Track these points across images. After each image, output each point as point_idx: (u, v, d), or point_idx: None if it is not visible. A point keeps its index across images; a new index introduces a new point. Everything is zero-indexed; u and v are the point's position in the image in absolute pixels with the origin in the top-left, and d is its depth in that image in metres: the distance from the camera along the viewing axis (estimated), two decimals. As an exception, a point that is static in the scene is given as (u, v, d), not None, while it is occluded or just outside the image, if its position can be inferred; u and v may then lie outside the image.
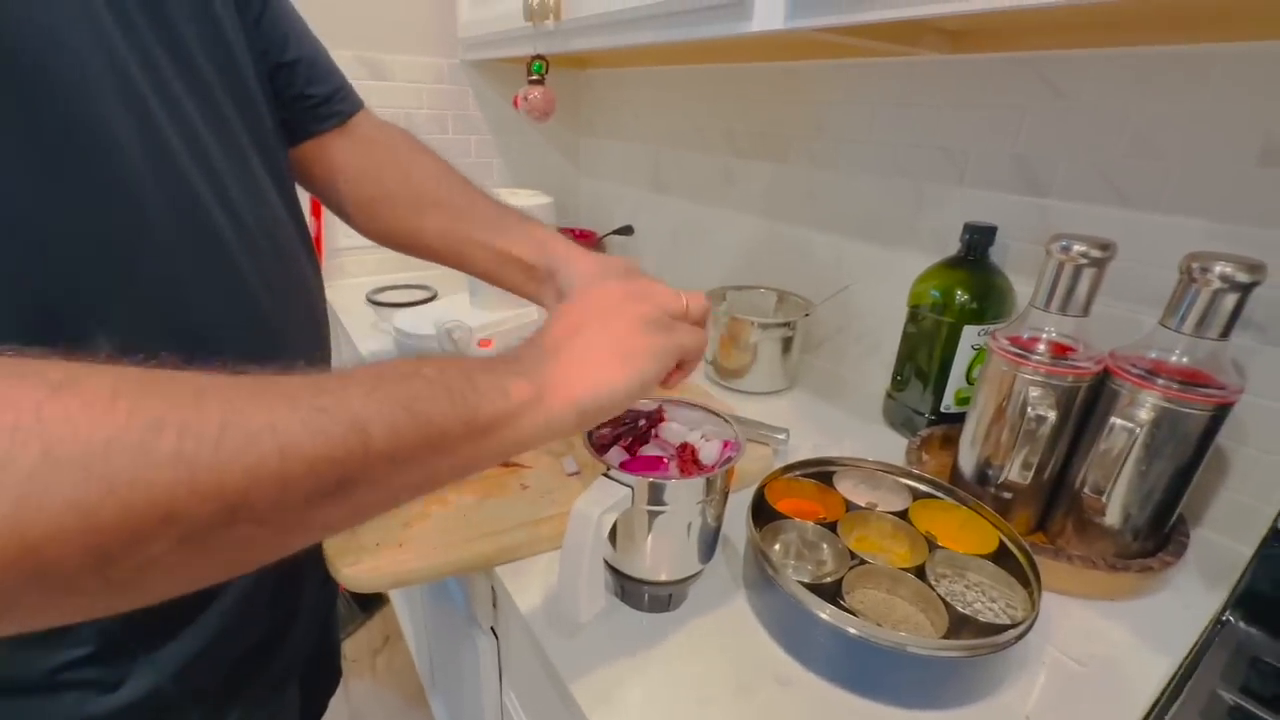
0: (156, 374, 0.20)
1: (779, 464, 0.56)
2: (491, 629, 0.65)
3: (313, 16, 1.16)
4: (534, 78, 0.92)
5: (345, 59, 1.16)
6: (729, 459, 0.44)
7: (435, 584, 0.86)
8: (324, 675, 0.64)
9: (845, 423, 0.78)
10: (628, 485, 0.40)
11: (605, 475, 0.40)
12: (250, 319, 0.39)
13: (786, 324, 0.81)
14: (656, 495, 0.41)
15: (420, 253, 0.58)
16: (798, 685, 0.42)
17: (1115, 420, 0.47)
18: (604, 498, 0.38)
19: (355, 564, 0.48)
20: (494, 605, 0.62)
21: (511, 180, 1.39)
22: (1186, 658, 0.44)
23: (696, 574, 0.47)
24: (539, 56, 0.92)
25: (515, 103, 0.95)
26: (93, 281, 0.31)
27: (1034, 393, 0.51)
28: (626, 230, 1.33)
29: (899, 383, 0.75)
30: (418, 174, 0.58)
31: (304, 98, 0.53)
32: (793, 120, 0.93)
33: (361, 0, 1.12)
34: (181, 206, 0.35)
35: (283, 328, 0.43)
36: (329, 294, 1.17)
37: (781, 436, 0.68)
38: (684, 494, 0.41)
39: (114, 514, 0.18)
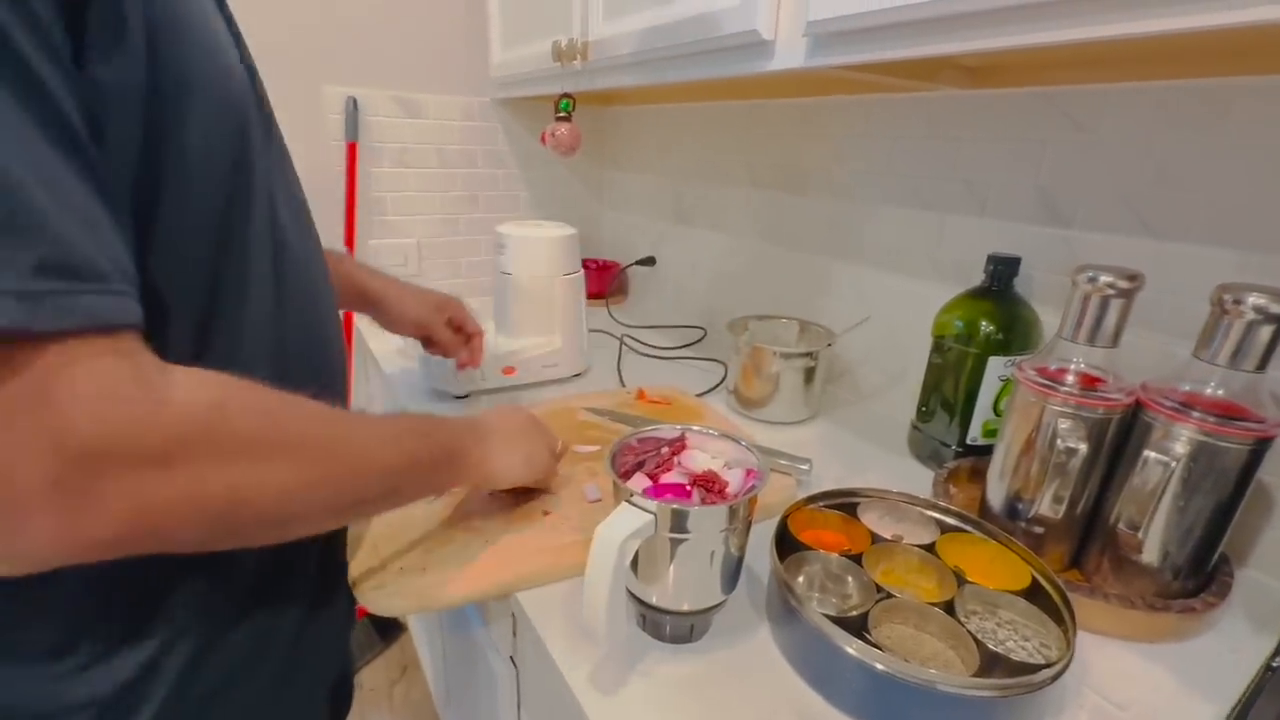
0: (317, 433, 0.35)
1: (802, 494, 0.55)
2: (510, 658, 0.65)
3: (354, 59, 1.22)
4: (561, 115, 0.95)
5: (383, 99, 1.22)
6: (752, 487, 0.44)
7: (454, 612, 0.85)
8: (343, 689, 0.64)
9: (870, 454, 0.77)
10: (650, 512, 0.40)
11: (628, 501, 0.41)
12: (330, 341, 0.48)
13: (809, 354, 0.81)
14: (679, 522, 0.41)
15: None
16: (823, 723, 0.40)
17: (1149, 453, 0.46)
18: (627, 523, 0.39)
19: (379, 587, 0.48)
20: (514, 634, 0.62)
21: (537, 212, 1.42)
22: (1235, 706, 0.42)
23: (719, 604, 0.46)
24: (566, 95, 0.95)
25: (543, 139, 0.98)
26: (253, 314, 0.38)
27: (1063, 424, 0.50)
28: (649, 261, 1.35)
29: (924, 414, 0.74)
30: None
31: None
32: (813, 153, 0.95)
33: (400, 44, 1.18)
34: (305, 252, 0.43)
35: (342, 349, 0.50)
36: (359, 322, 1.20)
37: (805, 467, 0.68)
38: (707, 521, 0.41)
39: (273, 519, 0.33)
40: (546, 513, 0.58)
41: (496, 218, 1.36)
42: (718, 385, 0.93)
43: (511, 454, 0.53)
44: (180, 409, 0.27)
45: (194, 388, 0.29)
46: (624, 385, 0.93)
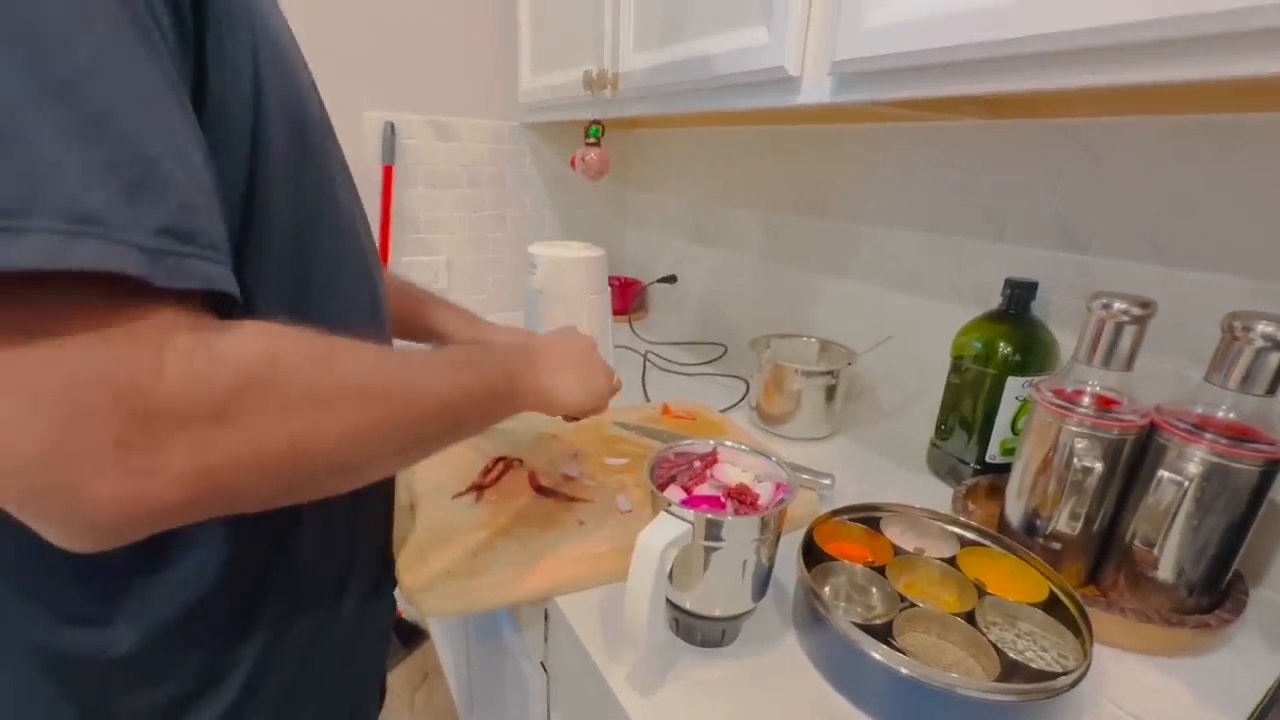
0: (374, 367, 0.35)
1: (824, 509, 0.58)
2: (541, 663, 0.67)
3: (388, 84, 1.27)
4: (591, 141, 1.00)
5: (417, 123, 1.27)
6: (781, 500, 0.47)
7: (483, 619, 0.88)
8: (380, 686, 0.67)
9: (889, 470, 0.80)
10: (688, 521, 0.43)
11: (667, 511, 0.43)
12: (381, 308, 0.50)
13: (830, 372, 0.83)
14: (714, 531, 0.44)
15: None
16: (850, 725, 0.43)
17: (1163, 473, 0.48)
18: (667, 531, 0.41)
19: (427, 590, 0.51)
20: (545, 639, 0.64)
21: (562, 231, 1.47)
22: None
23: (749, 611, 0.48)
24: (596, 121, 1.00)
25: (573, 163, 1.02)
26: (346, 284, 0.43)
27: (1080, 444, 0.52)
28: (670, 279, 1.39)
29: (943, 432, 0.76)
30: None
31: None
32: (833, 178, 0.98)
33: (433, 70, 1.23)
34: (363, 235, 0.46)
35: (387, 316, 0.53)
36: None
37: (827, 481, 0.70)
38: (740, 531, 0.44)
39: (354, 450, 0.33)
40: (582, 522, 0.61)
41: (523, 236, 1.41)
42: (739, 401, 0.96)
43: (567, 375, 0.52)
44: (233, 362, 0.27)
45: (246, 340, 0.28)
46: (649, 400, 0.96)
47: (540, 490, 0.66)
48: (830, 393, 0.84)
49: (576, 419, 0.59)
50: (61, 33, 0.23)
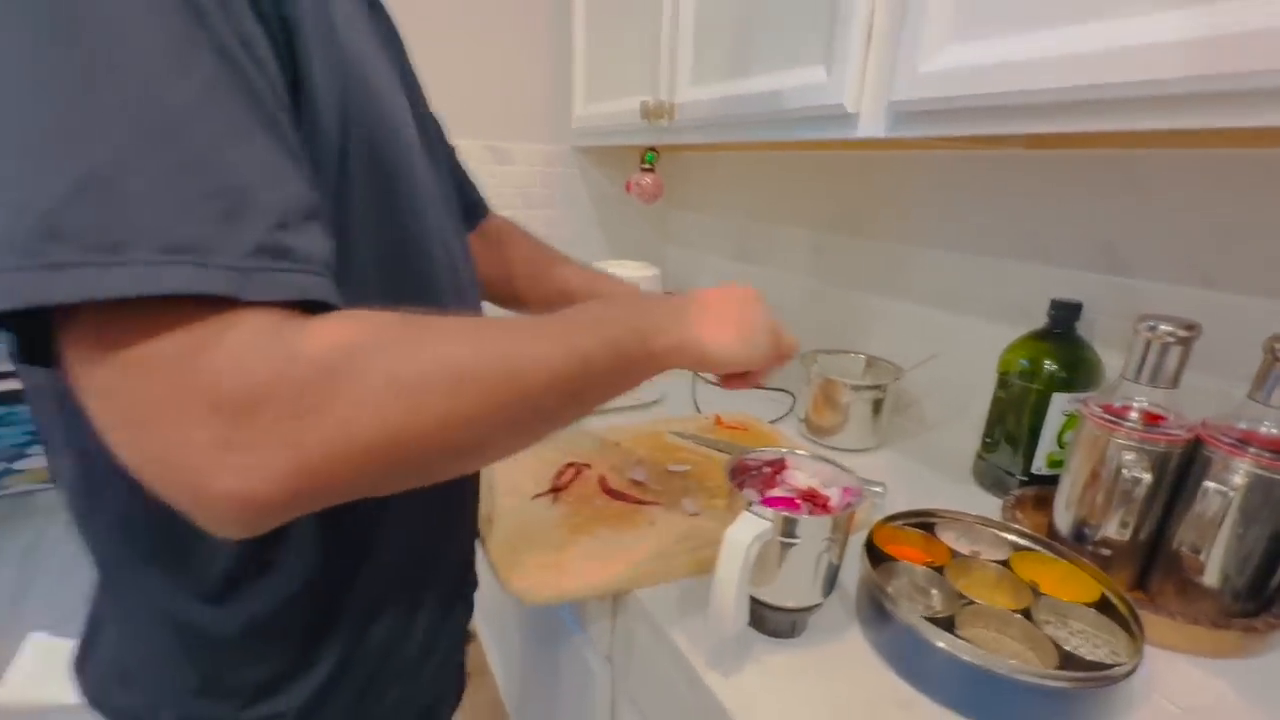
0: (467, 336, 0.33)
1: (876, 516, 0.62)
2: (607, 656, 0.72)
3: (451, 111, 1.35)
4: (646, 166, 1.06)
5: (476, 148, 1.35)
6: (850, 504, 0.51)
7: (543, 614, 0.93)
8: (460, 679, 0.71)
9: (935, 481, 0.83)
10: (768, 519, 0.47)
11: (748, 510, 0.48)
12: None
13: (878, 387, 0.87)
14: (790, 529, 0.48)
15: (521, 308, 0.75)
16: (918, 709, 0.47)
17: (1209, 484, 0.52)
18: (752, 528, 0.46)
19: (523, 579, 0.57)
20: (611, 633, 0.69)
21: (607, 248, 1.53)
22: (1296, 717, 0.47)
23: (818, 605, 0.53)
24: (651, 148, 1.06)
25: (628, 187, 1.08)
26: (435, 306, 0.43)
27: (1128, 456, 0.56)
28: (712, 295, 1.44)
29: (989, 445, 0.80)
30: (526, 256, 0.77)
31: (460, 194, 0.65)
32: (879, 200, 1.03)
33: (492, 97, 1.31)
34: (456, 252, 0.48)
35: None
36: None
37: (879, 489, 0.74)
38: (813, 530, 0.49)
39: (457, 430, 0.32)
40: (653, 523, 0.66)
41: (571, 254, 1.47)
42: (787, 413, 1.00)
43: (721, 326, 0.46)
44: (311, 356, 0.27)
45: (325, 333, 0.28)
46: (699, 411, 1.01)
47: (611, 493, 0.71)
48: (877, 406, 0.88)
49: (739, 383, 0.55)
50: (161, 80, 0.25)
